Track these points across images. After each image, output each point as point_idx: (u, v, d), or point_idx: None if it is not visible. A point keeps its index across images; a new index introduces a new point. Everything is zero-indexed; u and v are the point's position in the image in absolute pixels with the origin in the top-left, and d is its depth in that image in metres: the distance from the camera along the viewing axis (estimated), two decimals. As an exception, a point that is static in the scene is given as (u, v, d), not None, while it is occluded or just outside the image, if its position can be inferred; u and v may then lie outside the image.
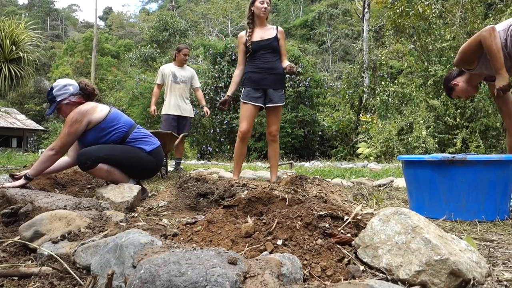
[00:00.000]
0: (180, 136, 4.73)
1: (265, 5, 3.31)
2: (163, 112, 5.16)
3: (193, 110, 5.47)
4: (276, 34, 3.40)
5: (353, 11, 22.04)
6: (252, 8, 3.37)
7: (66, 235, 1.35)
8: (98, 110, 2.57)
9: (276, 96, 3.39)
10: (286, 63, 3.35)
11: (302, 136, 12.00)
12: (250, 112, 3.39)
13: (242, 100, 3.41)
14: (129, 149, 2.63)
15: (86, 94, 2.68)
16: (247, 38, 3.40)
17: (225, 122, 12.68)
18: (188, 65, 5.45)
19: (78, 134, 2.52)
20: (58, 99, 2.60)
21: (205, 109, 5.30)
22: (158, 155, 2.77)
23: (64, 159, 2.69)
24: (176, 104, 5.09)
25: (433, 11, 8.93)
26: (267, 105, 3.41)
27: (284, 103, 3.47)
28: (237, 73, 3.52)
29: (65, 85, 2.62)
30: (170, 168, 5.29)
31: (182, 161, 6.08)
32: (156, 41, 28.65)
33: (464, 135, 8.09)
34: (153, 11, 55.08)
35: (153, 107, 5.26)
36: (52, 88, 2.63)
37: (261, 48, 3.36)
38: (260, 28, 3.41)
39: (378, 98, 10.57)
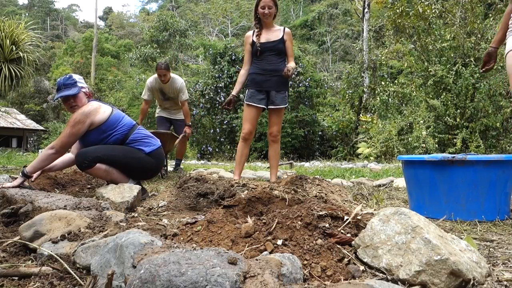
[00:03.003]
0: (180, 137, 4.72)
1: (266, 10, 3.30)
2: (156, 114, 5.14)
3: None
4: (283, 36, 3.39)
5: (353, 11, 22.04)
6: (257, 12, 3.37)
7: (66, 235, 1.35)
8: (101, 112, 2.58)
9: (278, 98, 3.38)
10: (290, 65, 3.33)
11: (302, 136, 12.00)
12: (253, 114, 3.38)
13: (246, 102, 3.40)
14: (128, 149, 2.64)
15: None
16: (255, 40, 3.38)
17: (225, 122, 12.68)
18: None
19: (80, 135, 2.52)
20: (80, 85, 2.67)
21: (186, 129, 4.84)
22: (157, 157, 2.77)
23: (68, 155, 2.70)
24: (169, 112, 5.07)
25: (433, 11, 8.93)
26: (269, 107, 3.41)
27: (286, 105, 3.46)
28: (242, 72, 3.51)
29: (81, 78, 2.75)
30: (170, 169, 5.28)
31: (182, 161, 6.06)
32: (156, 41, 28.64)
33: (464, 135, 8.09)
34: (153, 11, 55.08)
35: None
36: (71, 76, 2.70)
37: (266, 50, 3.36)
38: (267, 30, 3.40)
39: (378, 98, 10.57)
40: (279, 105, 3.38)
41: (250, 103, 3.37)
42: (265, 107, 3.41)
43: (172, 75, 4.80)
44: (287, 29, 3.45)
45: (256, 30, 3.41)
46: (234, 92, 3.46)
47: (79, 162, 2.50)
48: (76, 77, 2.72)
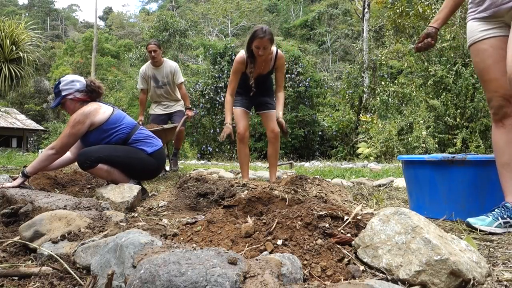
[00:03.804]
0: (182, 120, 4.53)
1: (260, 51, 3.08)
2: (150, 112, 4.89)
3: (194, 110, 5.29)
4: (274, 65, 3.30)
5: (353, 11, 22.05)
6: (250, 46, 3.15)
7: (66, 235, 1.35)
8: (101, 112, 2.57)
9: (268, 104, 3.41)
10: (279, 109, 3.27)
11: (302, 136, 12.00)
12: (243, 113, 3.41)
13: (234, 107, 3.41)
14: (130, 150, 2.63)
15: (91, 91, 2.67)
16: (248, 73, 3.28)
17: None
18: (168, 58, 5.25)
19: (80, 135, 2.52)
20: (64, 93, 2.61)
21: (188, 112, 4.73)
22: (159, 157, 2.76)
23: (65, 155, 2.69)
24: (162, 107, 4.81)
25: (433, 11, 8.93)
26: (259, 112, 3.46)
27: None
28: (229, 99, 3.32)
29: (72, 80, 2.64)
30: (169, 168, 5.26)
31: (182, 161, 6.00)
32: (156, 41, 28.61)
33: (464, 135, 8.09)
34: (153, 11, 55.07)
35: (141, 118, 4.83)
36: (59, 82, 2.65)
37: (257, 82, 3.34)
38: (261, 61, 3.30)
39: (378, 98, 10.58)
40: (271, 109, 3.41)
41: (239, 107, 3.40)
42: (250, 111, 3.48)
43: (166, 59, 4.68)
44: (279, 54, 3.30)
45: (250, 65, 3.24)
46: (228, 121, 3.26)
47: (81, 161, 2.50)
48: (65, 81, 2.63)
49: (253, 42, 3.06)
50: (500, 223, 1.73)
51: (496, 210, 1.78)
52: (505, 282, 1.06)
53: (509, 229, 1.73)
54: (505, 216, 1.75)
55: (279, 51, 3.31)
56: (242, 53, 3.26)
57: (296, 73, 12.20)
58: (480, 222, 1.75)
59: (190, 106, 4.76)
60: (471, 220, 1.76)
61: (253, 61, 3.20)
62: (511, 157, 1.81)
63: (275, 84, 3.41)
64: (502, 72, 1.81)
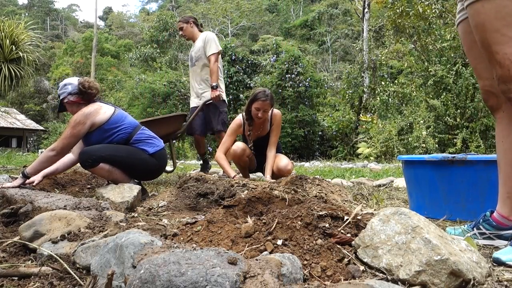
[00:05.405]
0: (199, 108, 4.06)
1: (260, 113, 3.14)
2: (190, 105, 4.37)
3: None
4: (271, 123, 3.33)
5: (353, 11, 22.05)
6: (250, 108, 3.21)
7: (66, 235, 1.35)
8: (102, 112, 2.57)
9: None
10: (267, 170, 3.19)
11: (302, 136, 11.99)
12: (243, 143, 3.41)
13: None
14: (132, 150, 2.63)
15: (82, 93, 2.60)
16: (246, 136, 3.37)
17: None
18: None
19: (81, 136, 2.52)
20: (61, 97, 2.67)
21: (211, 92, 3.96)
22: (161, 157, 2.75)
23: (69, 157, 2.68)
24: (195, 92, 4.17)
25: (433, 11, 8.94)
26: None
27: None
28: (222, 156, 3.27)
29: (65, 84, 2.66)
30: (169, 168, 5.23)
31: (182, 161, 5.86)
32: (156, 41, 28.61)
33: (464, 135, 8.09)
34: (153, 11, 55.07)
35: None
36: (58, 88, 2.72)
37: (257, 145, 3.39)
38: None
39: (378, 98, 10.59)
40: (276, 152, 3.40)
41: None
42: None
43: (203, 32, 4.14)
44: (275, 111, 3.33)
45: (248, 127, 3.31)
46: (232, 174, 3.19)
47: (83, 160, 2.49)
48: (60, 85, 2.67)
49: (254, 103, 3.14)
50: (475, 234, 1.52)
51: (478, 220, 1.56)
52: (505, 282, 1.06)
53: (488, 241, 1.50)
54: (480, 227, 1.52)
55: (274, 109, 3.35)
56: (240, 117, 3.34)
57: (296, 73, 12.19)
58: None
59: (214, 84, 3.95)
60: (448, 229, 1.64)
61: (251, 123, 3.27)
62: (501, 155, 1.52)
63: (268, 142, 3.32)
64: (476, 60, 1.57)
